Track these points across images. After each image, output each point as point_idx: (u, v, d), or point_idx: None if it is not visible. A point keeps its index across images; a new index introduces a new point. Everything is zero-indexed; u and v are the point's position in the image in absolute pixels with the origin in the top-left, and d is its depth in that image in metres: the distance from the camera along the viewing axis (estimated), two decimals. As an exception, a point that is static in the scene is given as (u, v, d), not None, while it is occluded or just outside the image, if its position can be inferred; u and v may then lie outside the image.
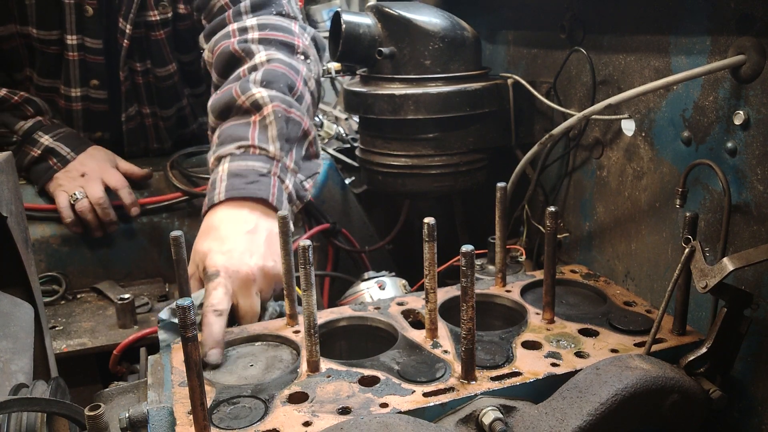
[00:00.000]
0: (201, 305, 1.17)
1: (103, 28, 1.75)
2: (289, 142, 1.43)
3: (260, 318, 1.26)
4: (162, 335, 1.17)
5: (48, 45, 1.73)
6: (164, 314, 1.20)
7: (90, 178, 1.67)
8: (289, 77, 1.49)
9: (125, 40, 1.76)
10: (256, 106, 1.42)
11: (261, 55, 1.53)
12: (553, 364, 1.03)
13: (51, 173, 1.67)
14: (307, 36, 1.68)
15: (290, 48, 1.59)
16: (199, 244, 1.29)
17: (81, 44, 1.74)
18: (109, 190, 1.67)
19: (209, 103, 1.51)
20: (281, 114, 1.41)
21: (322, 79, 1.75)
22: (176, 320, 1.14)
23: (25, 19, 1.70)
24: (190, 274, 1.26)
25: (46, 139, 1.69)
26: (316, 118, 2.29)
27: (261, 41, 1.57)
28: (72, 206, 1.63)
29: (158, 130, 2.00)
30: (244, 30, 1.60)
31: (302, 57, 1.60)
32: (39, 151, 1.67)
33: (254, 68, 1.50)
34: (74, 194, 1.63)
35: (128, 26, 1.74)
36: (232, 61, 1.57)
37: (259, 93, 1.42)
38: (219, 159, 1.40)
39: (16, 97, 1.69)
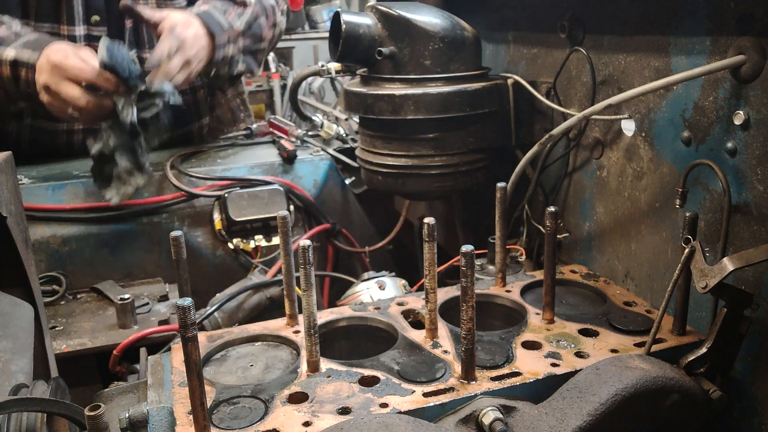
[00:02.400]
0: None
1: None
2: (246, 34, 1.89)
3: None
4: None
5: None
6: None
7: (67, 56, 1.58)
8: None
9: None
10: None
11: None
12: (553, 364, 1.03)
13: (32, 82, 1.61)
14: None
15: None
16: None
17: None
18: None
19: None
20: (256, 14, 1.93)
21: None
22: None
23: None
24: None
25: (9, 52, 1.63)
26: (316, 118, 2.29)
27: None
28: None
29: None
30: None
31: None
32: (8, 69, 1.63)
33: None
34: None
35: None
36: None
37: None
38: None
39: None
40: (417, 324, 1.20)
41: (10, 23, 1.73)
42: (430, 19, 1.51)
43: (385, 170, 1.61)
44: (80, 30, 1.83)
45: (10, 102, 1.76)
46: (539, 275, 1.35)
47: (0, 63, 1.65)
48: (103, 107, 1.60)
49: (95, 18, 1.83)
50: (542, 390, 0.98)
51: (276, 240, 1.76)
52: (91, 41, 1.86)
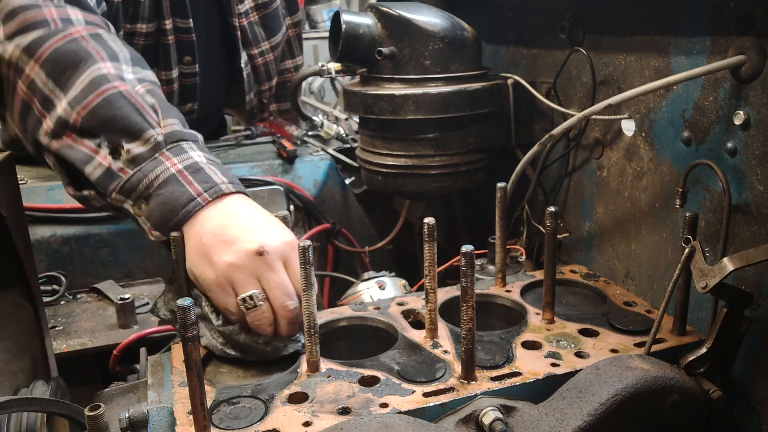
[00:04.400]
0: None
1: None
2: None
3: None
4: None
5: (149, 37, 1.86)
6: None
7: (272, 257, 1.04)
8: None
9: None
10: None
11: None
12: (553, 364, 1.03)
13: (193, 209, 1.06)
14: None
15: None
16: None
17: (175, 26, 1.89)
18: None
19: None
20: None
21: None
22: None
23: (136, 17, 1.82)
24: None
25: (197, 155, 1.12)
26: (316, 118, 2.29)
27: None
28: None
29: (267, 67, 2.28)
30: None
31: None
32: (181, 167, 1.09)
33: None
34: (242, 299, 1.03)
35: None
36: None
37: None
38: None
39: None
40: (417, 324, 1.20)
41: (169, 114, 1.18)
42: (430, 19, 1.51)
43: (385, 170, 1.61)
44: (175, 73, 1.94)
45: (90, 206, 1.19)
46: (539, 275, 1.35)
47: (178, 153, 1.11)
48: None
49: (187, 58, 1.96)
50: (542, 390, 0.98)
51: (276, 240, 1.76)
52: (184, 78, 1.98)
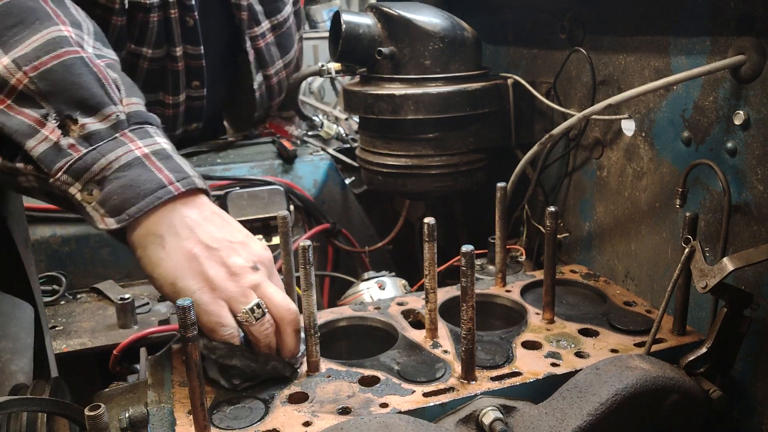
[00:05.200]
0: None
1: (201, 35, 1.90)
2: None
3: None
4: None
5: (154, 62, 1.83)
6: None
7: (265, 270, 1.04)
8: None
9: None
10: None
11: None
12: (553, 364, 1.03)
13: (163, 196, 0.95)
14: None
15: None
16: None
17: (185, 53, 1.86)
18: None
19: None
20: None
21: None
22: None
23: (143, 40, 1.77)
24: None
25: (165, 142, 1.02)
26: (316, 118, 2.29)
27: None
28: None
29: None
30: None
31: None
32: (147, 150, 0.98)
33: None
34: (250, 309, 0.98)
35: None
36: None
37: None
38: None
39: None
40: (417, 324, 1.20)
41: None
42: (430, 19, 1.51)
43: (385, 170, 1.61)
44: (182, 97, 1.93)
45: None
46: (539, 275, 1.35)
47: (142, 136, 0.99)
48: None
49: (195, 83, 1.93)
50: (542, 390, 0.98)
51: (276, 240, 1.76)
52: (191, 101, 1.96)
